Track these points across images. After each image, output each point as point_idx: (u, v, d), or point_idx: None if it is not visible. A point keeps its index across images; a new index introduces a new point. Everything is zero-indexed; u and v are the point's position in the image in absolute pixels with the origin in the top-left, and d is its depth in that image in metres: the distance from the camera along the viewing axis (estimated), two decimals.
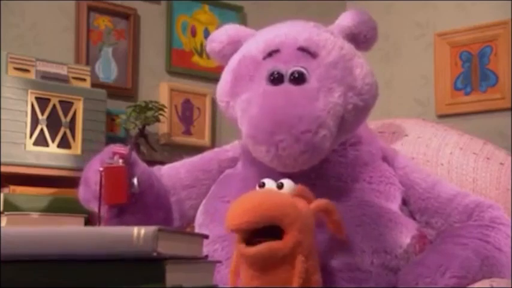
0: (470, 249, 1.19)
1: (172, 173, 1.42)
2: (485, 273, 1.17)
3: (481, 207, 1.29)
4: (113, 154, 1.22)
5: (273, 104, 1.16)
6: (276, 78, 1.21)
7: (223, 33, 1.36)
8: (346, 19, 1.31)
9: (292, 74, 1.20)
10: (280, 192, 1.05)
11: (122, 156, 1.22)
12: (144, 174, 1.28)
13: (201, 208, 1.35)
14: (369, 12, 1.34)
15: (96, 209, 1.26)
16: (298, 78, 1.20)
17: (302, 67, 1.21)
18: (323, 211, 1.09)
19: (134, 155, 1.28)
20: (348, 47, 1.27)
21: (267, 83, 1.21)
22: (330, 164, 1.27)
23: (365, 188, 1.27)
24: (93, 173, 1.25)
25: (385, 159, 1.36)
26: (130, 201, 1.23)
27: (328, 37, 1.26)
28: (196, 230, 1.32)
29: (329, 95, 1.19)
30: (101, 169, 1.20)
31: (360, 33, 1.29)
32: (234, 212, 1.00)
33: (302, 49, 1.23)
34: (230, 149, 1.44)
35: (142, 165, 1.30)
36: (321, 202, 1.09)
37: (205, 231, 1.25)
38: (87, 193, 1.29)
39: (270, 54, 1.24)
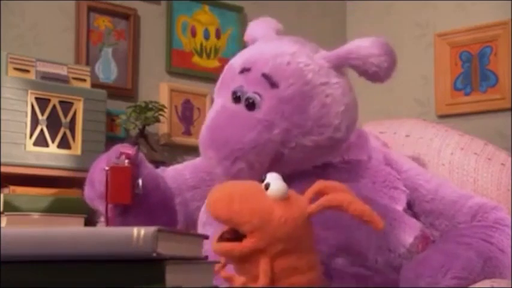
0: (473, 249, 1.19)
1: (176, 174, 1.43)
2: (487, 274, 1.17)
3: (485, 209, 1.29)
4: (120, 154, 1.23)
5: (216, 122, 1.25)
6: (236, 97, 1.25)
7: (250, 29, 1.43)
8: (351, 48, 1.26)
9: (247, 98, 1.24)
10: (259, 195, 1.03)
11: (128, 156, 1.22)
12: (150, 175, 1.29)
13: (205, 206, 1.35)
14: (387, 46, 1.26)
15: (99, 208, 1.26)
16: (250, 104, 1.23)
17: (258, 94, 1.23)
18: (334, 208, 1.07)
19: (141, 156, 1.29)
20: (320, 83, 1.24)
21: (230, 98, 1.26)
22: (334, 168, 1.29)
23: (368, 191, 1.27)
24: (98, 171, 1.26)
25: (388, 162, 1.36)
26: (134, 202, 1.24)
27: (299, 69, 1.24)
28: (200, 229, 1.32)
29: (266, 130, 1.21)
30: (107, 168, 1.21)
31: (358, 67, 1.25)
32: (208, 199, 1.03)
33: (265, 76, 1.24)
34: None
35: (148, 167, 1.31)
36: (321, 202, 1.06)
37: (209, 230, 1.26)
38: (91, 191, 1.30)
39: (243, 71, 1.27)
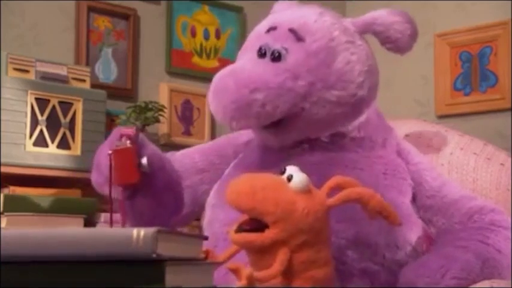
0: (471, 251, 1.19)
1: (186, 157, 1.43)
2: (486, 275, 1.17)
3: (482, 210, 1.30)
4: (121, 136, 1.23)
5: (239, 65, 1.26)
6: (262, 54, 1.27)
7: (275, 6, 1.46)
8: (375, 15, 1.31)
9: (272, 52, 1.25)
10: (282, 187, 1.03)
11: (128, 137, 1.23)
12: (154, 155, 1.29)
13: (215, 188, 1.35)
14: (410, 16, 1.32)
15: (107, 192, 1.26)
16: (276, 57, 1.25)
17: (284, 48, 1.25)
18: (353, 202, 1.06)
19: (142, 136, 1.29)
20: (346, 41, 1.27)
21: (256, 55, 1.27)
22: (347, 152, 1.29)
23: (379, 181, 1.26)
24: (103, 157, 1.26)
25: (399, 153, 1.36)
26: (142, 181, 1.24)
27: (325, 26, 1.27)
28: (209, 212, 1.32)
29: (291, 79, 1.22)
30: (110, 152, 1.22)
31: (381, 33, 1.29)
32: (229, 189, 1.03)
33: (292, 31, 1.26)
34: (244, 133, 1.44)
35: (151, 146, 1.31)
36: (342, 195, 1.06)
37: (220, 213, 1.26)
38: (99, 177, 1.31)
39: (269, 30, 1.29)
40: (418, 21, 1.36)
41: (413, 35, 1.31)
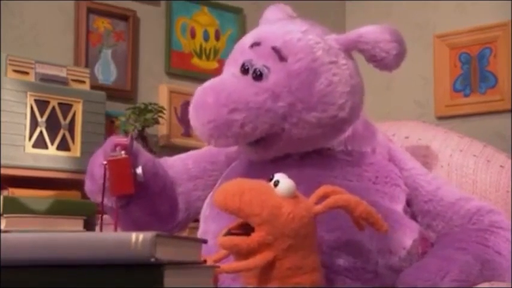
0: (470, 253, 1.19)
1: (179, 163, 1.43)
2: (485, 277, 1.17)
3: (481, 212, 1.29)
4: (115, 146, 1.23)
5: (221, 81, 1.25)
6: (245, 70, 1.26)
7: (265, 13, 1.45)
8: (361, 32, 1.27)
9: (254, 70, 1.24)
10: (268, 191, 1.04)
11: (123, 147, 1.22)
12: (148, 163, 1.29)
13: (207, 201, 1.35)
14: (398, 34, 1.26)
15: (104, 202, 1.26)
16: (258, 76, 1.24)
17: (266, 66, 1.24)
18: (340, 208, 1.07)
19: (136, 144, 1.29)
20: (329, 61, 1.25)
21: (239, 70, 1.27)
22: (337, 162, 1.28)
23: (370, 188, 1.27)
24: (97, 167, 1.26)
25: (391, 159, 1.36)
26: (136, 189, 1.24)
27: (309, 46, 1.25)
28: (202, 223, 1.32)
29: (271, 99, 1.21)
30: (105, 162, 1.21)
31: (366, 51, 1.26)
32: (217, 192, 1.05)
33: (275, 49, 1.25)
34: None
35: (145, 154, 1.31)
36: (328, 202, 1.07)
37: (211, 225, 1.26)
38: (92, 186, 1.31)
39: (253, 45, 1.28)
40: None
41: (400, 54, 1.26)
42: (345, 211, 1.06)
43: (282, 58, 1.24)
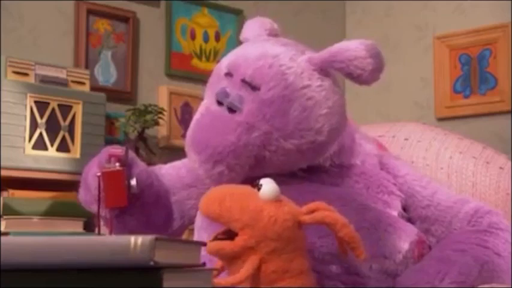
0: (469, 255, 1.19)
1: (173, 172, 1.43)
2: (484, 279, 1.17)
3: (479, 213, 1.29)
4: (110, 157, 1.23)
5: (198, 125, 1.27)
6: (219, 100, 1.27)
7: (244, 28, 1.43)
8: (333, 51, 1.24)
9: (228, 103, 1.25)
10: (251, 195, 1.05)
11: (118, 158, 1.22)
12: (142, 173, 1.29)
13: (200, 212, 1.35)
14: (374, 48, 1.21)
15: (96, 211, 1.26)
16: (233, 107, 1.24)
17: (239, 96, 1.24)
18: (326, 225, 1.07)
19: (132, 154, 1.29)
20: (302, 86, 1.23)
21: (215, 100, 1.27)
22: (326, 173, 1.28)
23: (362, 197, 1.27)
24: (92, 177, 1.25)
25: (383, 167, 1.35)
26: (130, 200, 1.24)
27: (280, 72, 1.24)
28: (196, 233, 1.32)
29: (246, 132, 1.21)
30: (99, 174, 1.21)
31: (341, 69, 1.22)
32: (201, 199, 1.06)
33: (245, 82, 1.24)
34: None
35: (140, 165, 1.31)
36: (317, 215, 1.07)
37: (203, 234, 1.26)
38: (87, 196, 1.30)
39: (226, 74, 1.28)
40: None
41: (377, 69, 1.21)
42: (330, 229, 1.06)
43: (254, 88, 1.23)
